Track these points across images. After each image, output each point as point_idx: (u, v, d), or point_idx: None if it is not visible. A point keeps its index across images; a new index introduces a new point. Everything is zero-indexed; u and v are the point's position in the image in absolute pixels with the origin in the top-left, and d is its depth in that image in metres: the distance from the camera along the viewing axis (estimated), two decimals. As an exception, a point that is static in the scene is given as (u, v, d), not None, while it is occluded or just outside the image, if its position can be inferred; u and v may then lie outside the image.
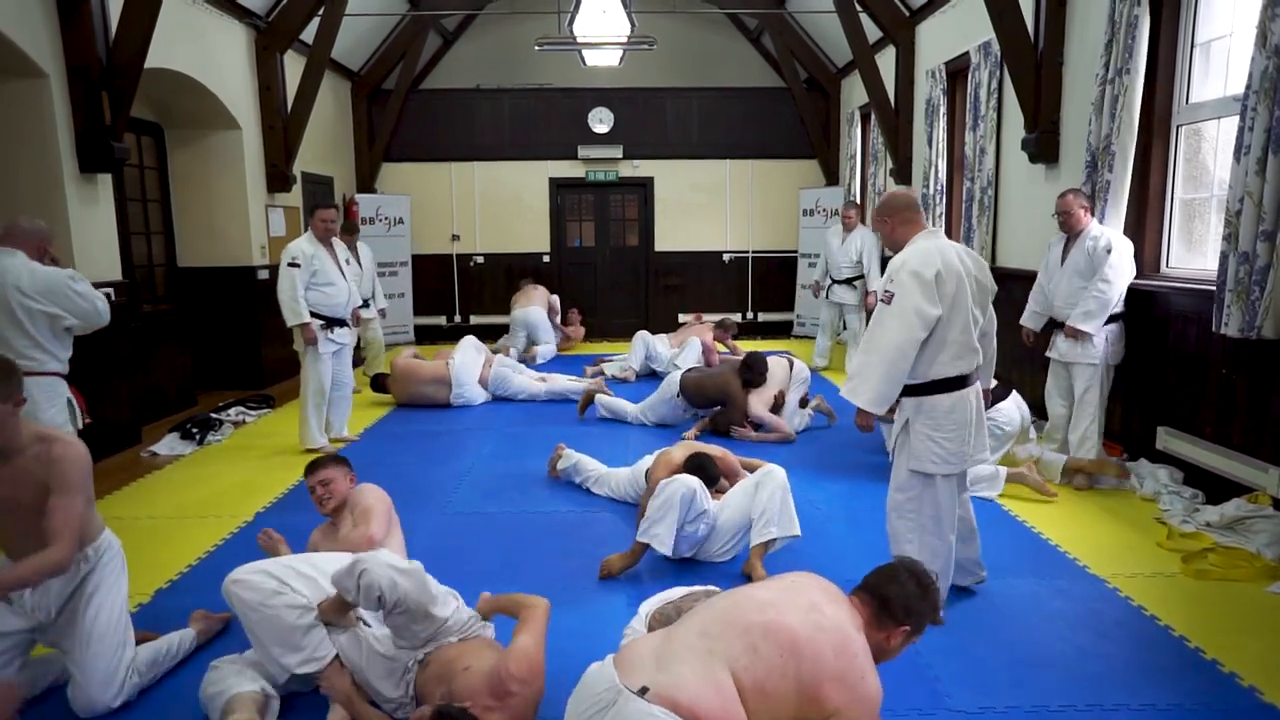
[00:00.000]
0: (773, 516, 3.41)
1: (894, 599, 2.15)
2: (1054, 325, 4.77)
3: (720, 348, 7.80)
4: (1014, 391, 4.67)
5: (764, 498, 3.44)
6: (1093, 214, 4.72)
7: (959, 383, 2.92)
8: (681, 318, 10.64)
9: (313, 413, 5.46)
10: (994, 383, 4.09)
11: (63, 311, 3.49)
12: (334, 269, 5.38)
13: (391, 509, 3.23)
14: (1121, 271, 4.46)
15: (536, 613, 2.46)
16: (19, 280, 3.40)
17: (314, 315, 5.27)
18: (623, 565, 3.45)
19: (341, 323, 5.49)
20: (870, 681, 2.06)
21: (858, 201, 8.54)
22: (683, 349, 7.64)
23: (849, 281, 8.05)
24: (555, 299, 9.46)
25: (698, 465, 3.74)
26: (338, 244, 5.56)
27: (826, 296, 8.28)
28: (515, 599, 2.59)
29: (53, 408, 3.49)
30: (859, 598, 2.20)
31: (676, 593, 2.75)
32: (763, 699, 1.99)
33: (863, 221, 8.34)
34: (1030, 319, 4.94)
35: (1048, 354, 4.84)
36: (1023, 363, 6.10)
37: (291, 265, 5.17)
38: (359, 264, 7.57)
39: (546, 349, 8.99)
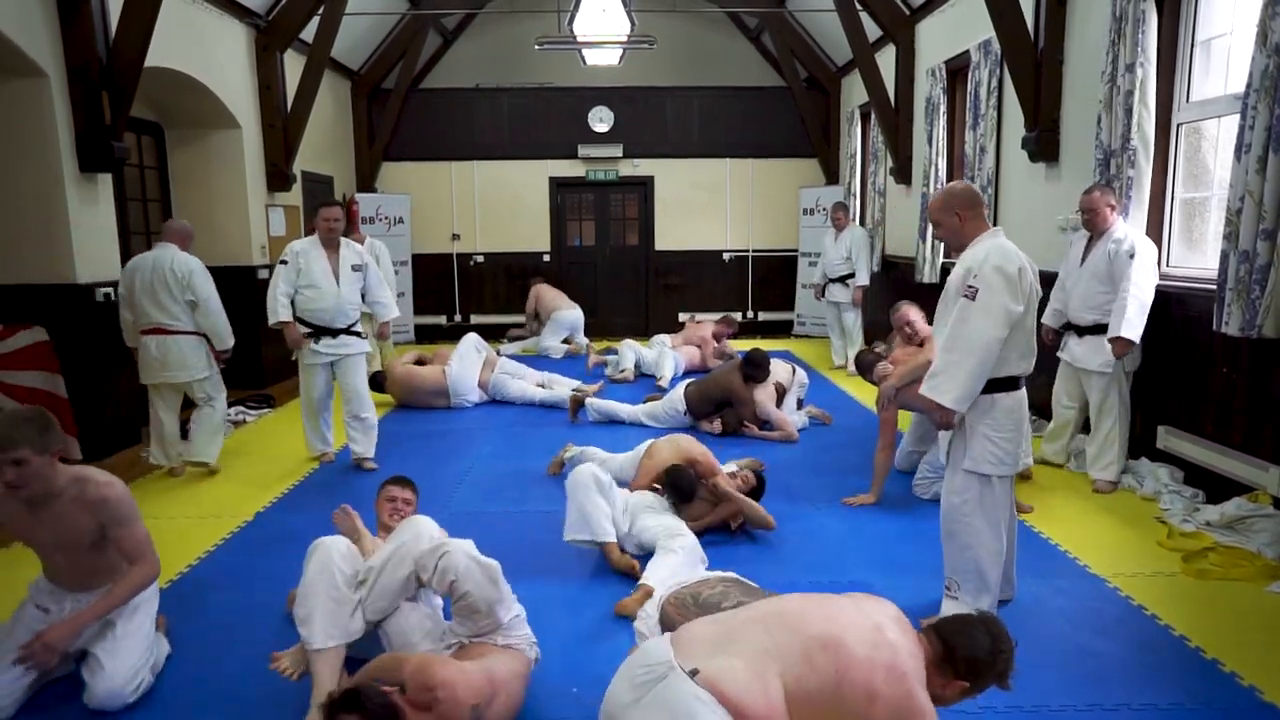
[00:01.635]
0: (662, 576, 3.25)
1: (959, 650, 2.04)
2: (1067, 327, 4.65)
3: (715, 351, 7.84)
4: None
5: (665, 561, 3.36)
6: (1125, 213, 4.66)
7: (1018, 382, 2.92)
8: (681, 316, 10.65)
9: (307, 421, 5.24)
10: None
11: (189, 289, 4.89)
12: (322, 272, 4.91)
13: None
14: (1148, 275, 4.27)
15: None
16: (171, 264, 4.84)
17: (300, 321, 4.94)
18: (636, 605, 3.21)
19: (332, 332, 5.00)
20: (920, 704, 1.98)
21: (846, 203, 8.61)
22: (659, 359, 7.57)
23: (843, 280, 8.10)
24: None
25: (672, 483, 3.80)
26: (349, 247, 5.07)
27: (824, 297, 8.37)
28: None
29: (195, 355, 4.96)
30: (927, 636, 2.10)
31: (690, 576, 2.73)
32: (809, 709, 1.97)
33: (857, 220, 8.35)
34: (1052, 317, 4.76)
35: (1059, 355, 4.72)
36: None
37: (281, 262, 4.93)
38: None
39: (583, 340, 9.38)
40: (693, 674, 1.94)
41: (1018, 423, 2.91)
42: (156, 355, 4.82)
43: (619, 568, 3.48)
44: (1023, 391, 2.93)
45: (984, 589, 2.92)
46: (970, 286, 2.80)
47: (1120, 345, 4.25)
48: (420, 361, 7.09)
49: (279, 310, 4.87)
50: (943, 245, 7.43)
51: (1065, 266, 4.70)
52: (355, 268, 5.06)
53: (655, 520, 3.64)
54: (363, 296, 5.17)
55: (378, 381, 6.94)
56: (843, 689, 1.95)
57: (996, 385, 2.85)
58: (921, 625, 2.17)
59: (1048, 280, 5.60)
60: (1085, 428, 4.78)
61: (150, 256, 4.90)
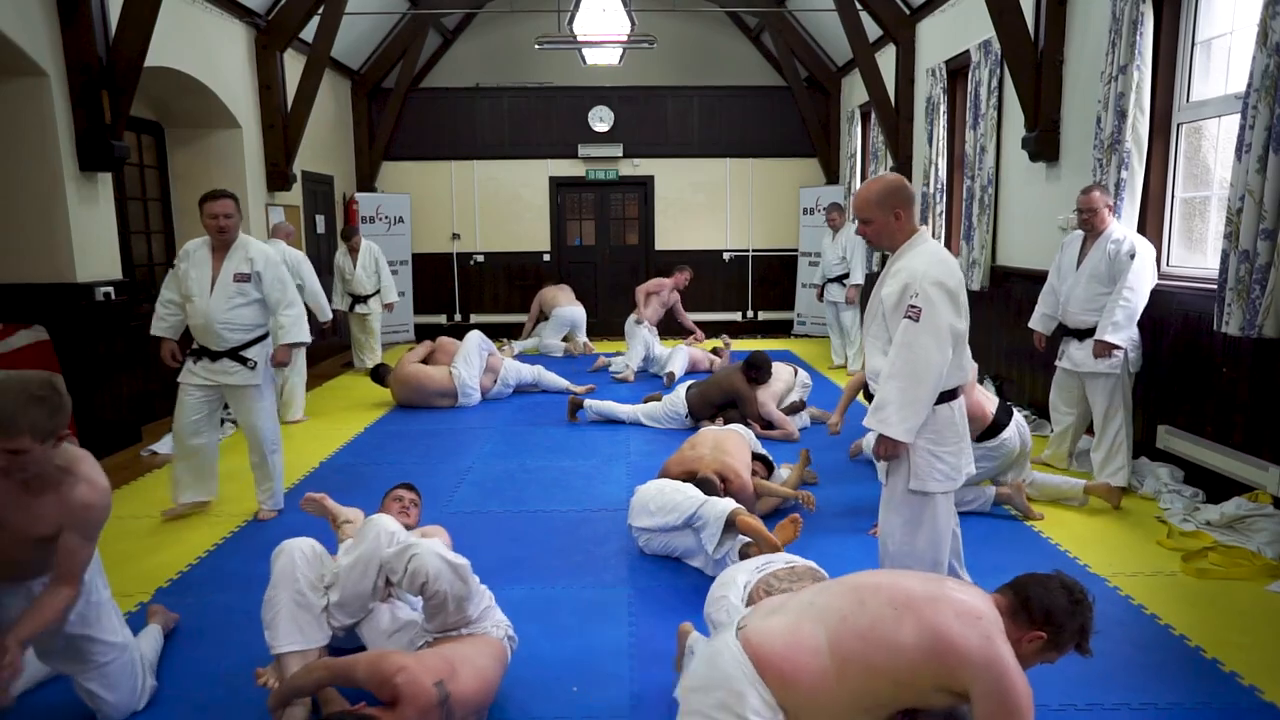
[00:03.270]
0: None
1: (1034, 599, 1.97)
2: (1065, 331, 4.53)
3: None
4: (1015, 414, 4.16)
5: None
6: (1118, 214, 4.66)
7: (956, 392, 2.76)
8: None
9: (177, 462, 4.31)
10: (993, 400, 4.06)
11: (298, 276, 5.99)
12: (198, 280, 4.02)
13: None
14: (1145, 278, 4.20)
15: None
16: (283, 256, 5.62)
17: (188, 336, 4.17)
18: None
19: (213, 354, 4.08)
20: (1000, 647, 1.90)
21: (841, 204, 8.68)
22: (672, 355, 7.64)
23: (840, 280, 8.14)
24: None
25: (702, 482, 3.78)
26: (244, 250, 4.09)
27: (822, 297, 8.44)
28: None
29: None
30: (1000, 593, 2.04)
31: (774, 561, 2.72)
32: (865, 645, 1.95)
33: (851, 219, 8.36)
34: (1040, 322, 4.70)
35: (1057, 362, 4.61)
36: (1021, 362, 6.10)
37: (171, 264, 4.23)
38: (354, 265, 7.81)
39: (583, 339, 9.42)
40: (739, 629, 2.09)
41: (959, 434, 2.76)
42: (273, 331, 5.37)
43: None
44: (961, 400, 2.79)
45: None
46: (913, 306, 2.58)
47: (1101, 347, 4.21)
48: (427, 359, 7.03)
49: (155, 321, 4.19)
50: (941, 243, 7.45)
51: (1057, 269, 4.61)
52: (240, 277, 4.03)
53: (667, 495, 3.62)
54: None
55: (379, 376, 6.92)
56: (908, 625, 1.93)
57: (936, 399, 2.68)
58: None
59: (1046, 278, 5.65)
60: (1087, 430, 4.75)
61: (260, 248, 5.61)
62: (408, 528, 3.11)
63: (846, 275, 8.05)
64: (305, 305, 4.96)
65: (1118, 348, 4.19)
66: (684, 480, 3.84)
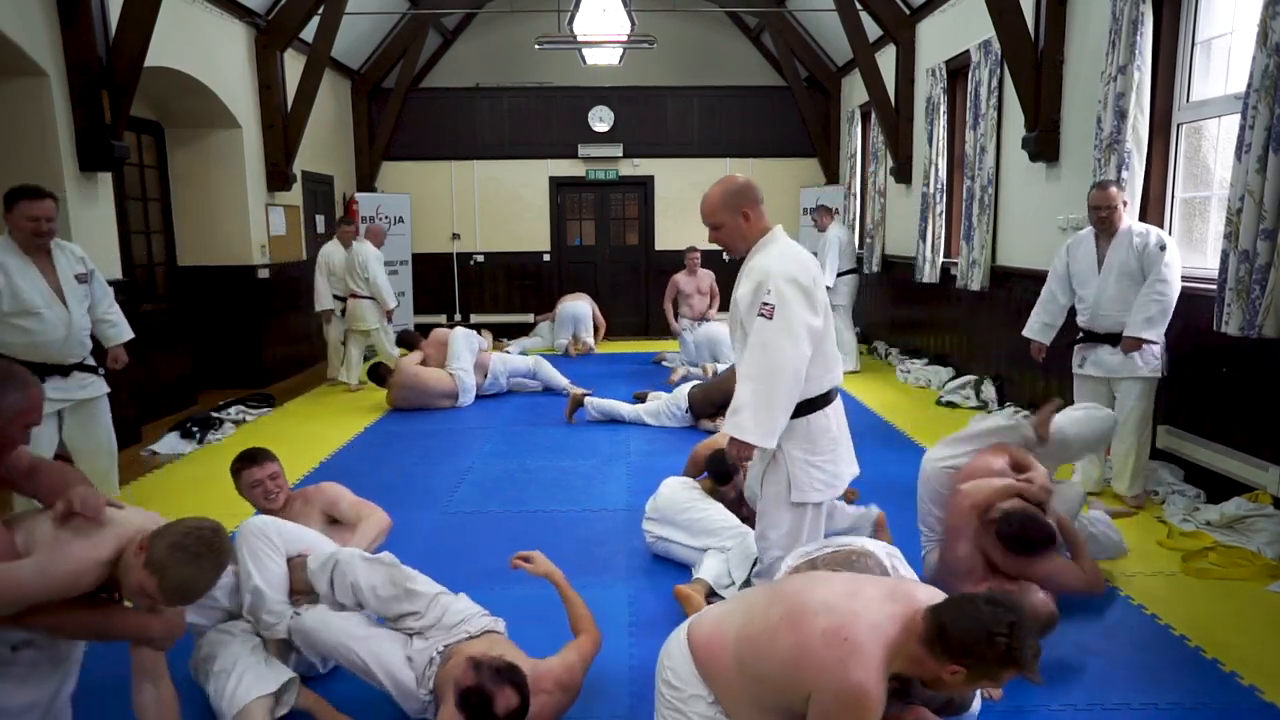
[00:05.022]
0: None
1: (951, 631, 1.79)
2: (1090, 337, 4.21)
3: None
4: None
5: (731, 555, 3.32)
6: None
7: (830, 397, 2.67)
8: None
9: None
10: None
11: (366, 270, 7.30)
12: (39, 291, 3.59)
13: None
14: (1177, 270, 3.99)
15: (590, 640, 2.57)
16: (368, 257, 7.34)
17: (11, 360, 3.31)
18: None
19: (63, 369, 3.69)
20: (855, 675, 1.79)
21: (829, 205, 8.73)
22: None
23: None
24: (594, 308, 9.73)
25: (713, 461, 3.74)
26: (64, 251, 3.75)
27: None
28: (581, 611, 2.65)
29: (374, 313, 7.45)
30: (925, 615, 1.86)
31: (813, 547, 2.65)
32: (753, 648, 2.01)
33: (857, 218, 8.39)
34: (1040, 332, 4.41)
35: (1078, 370, 4.29)
36: (1021, 362, 6.09)
37: None
38: (358, 265, 7.49)
39: (590, 340, 9.40)
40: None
41: (835, 441, 2.68)
42: (351, 311, 7.47)
43: None
44: (837, 404, 2.71)
45: None
46: (765, 304, 2.49)
47: (1131, 344, 3.98)
48: (423, 360, 7.03)
49: None
50: (941, 243, 7.47)
51: (1063, 274, 4.33)
52: (81, 278, 3.77)
53: (703, 512, 3.55)
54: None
55: (379, 375, 6.90)
56: (781, 639, 1.93)
57: (806, 406, 2.59)
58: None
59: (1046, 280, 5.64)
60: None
61: (353, 245, 7.51)
62: (282, 506, 3.02)
63: (844, 274, 8.10)
64: (369, 295, 7.36)
65: (1151, 343, 3.97)
66: (710, 459, 3.77)
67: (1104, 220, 4.12)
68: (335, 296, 7.61)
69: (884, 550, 2.54)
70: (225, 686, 2.40)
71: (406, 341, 7.37)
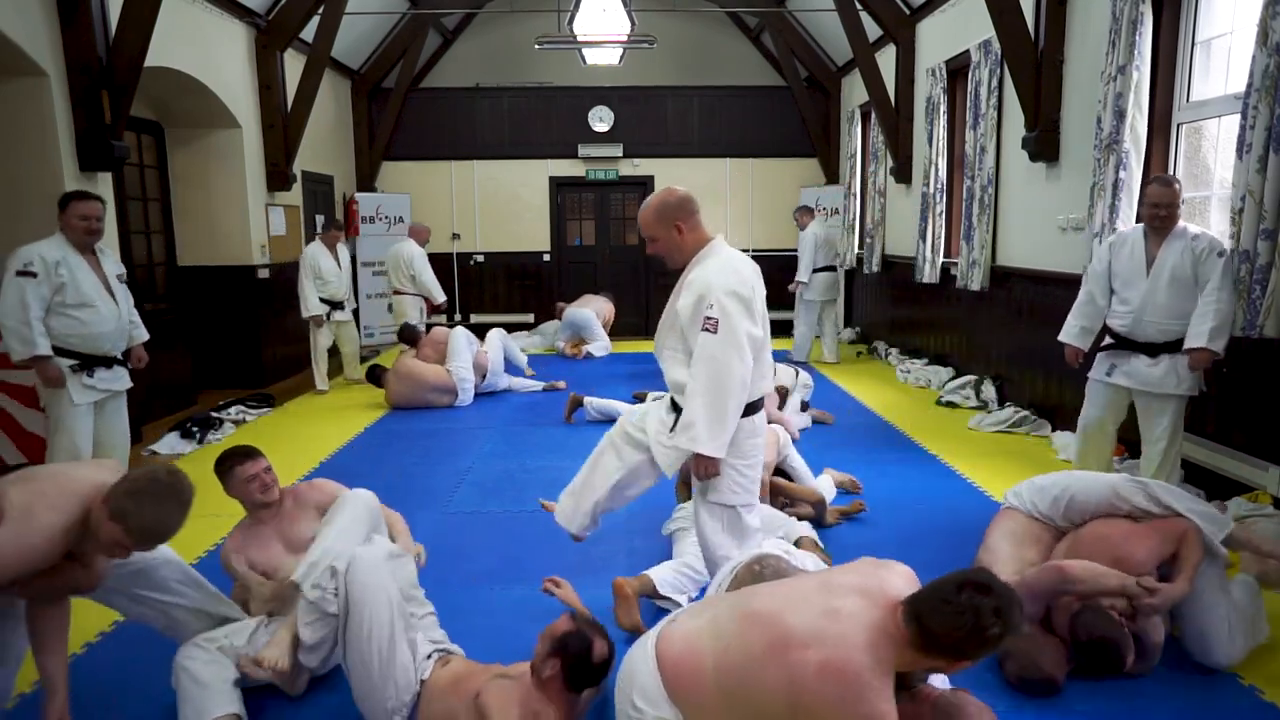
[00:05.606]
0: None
1: (940, 633, 1.79)
2: (1127, 345, 3.83)
3: None
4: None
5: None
6: (1115, 212, 4.61)
7: (759, 405, 2.76)
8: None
9: None
10: None
11: (412, 268, 7.88)
12: (94, 286, 3.93)
13: None
14: (1231, 279, 3.64)
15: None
16: (412, 255, 7.90)
17: (62, 352, 3.88)
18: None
19: (107, 361, 4.04)
20: (864, 710, 1.79)
21: (810, 206, 8.96)
22: None
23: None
24: (610, 308, 9.68)
25: None
26: (105, 253, 4.10)
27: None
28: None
29: (415, 309, 7.95)
30: (903, 615, 1.85)
31: (766, 546, 2.68)
32: (740, 684, 1.93)
33: (855, 216, 8.41)
34: (1078, 336, 4.04)
35: (1106, 378, 3.92)
36: (1021, 362, 6.10)
37: (23, 274, 3.76)
38: (338, 264, 7.42)
39: (598, 345, 9.33)
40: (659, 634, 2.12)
41: (757, 446, 2.77)
42: (395, 307, 8.20)
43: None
44: (762, 413, 2.80)
45: None
46: (709, 318, 2.56)
47: (1202, 357, 3.57)
48: (419, 356, 7.03)
49: (36, 340, 3.76)
50: (941, 243, 7.47)
51: (1102, 276, 3.94)
52: (120, 278, 4.14)
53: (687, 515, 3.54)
54: None
55: (375, 375, 6.90)
56: (772, 671, 1.88)
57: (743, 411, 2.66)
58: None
59: (1048, 280, 5.66)
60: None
61: (394, 247, 8.09)
62: (275, 502, 2.95)
63: (817, 271, 8.38)
64: (414, 292, 7.96)
65: (1217, 355, 3.59)
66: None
67: (1163, 219, 3.72)
68: (322, 300, 7.23)
69: (780, 549, 2.64)
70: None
71: (409, 337, 7.29)
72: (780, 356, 6.82)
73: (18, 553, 1.99)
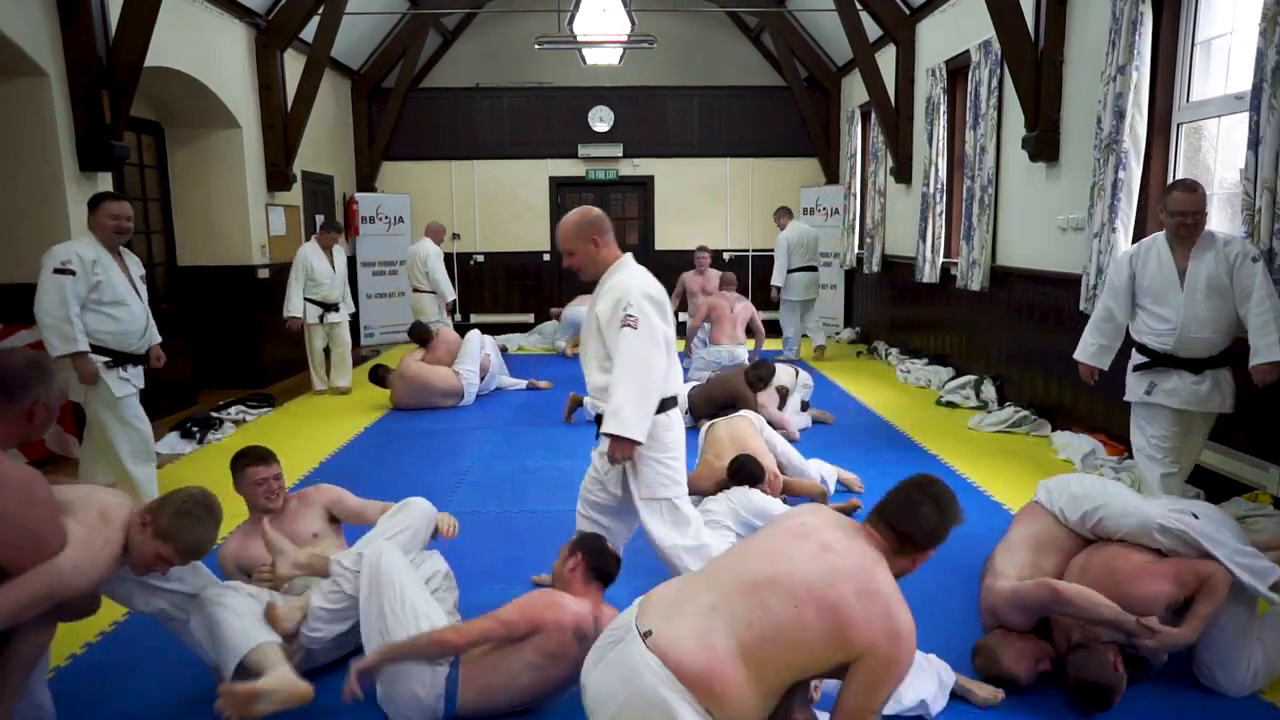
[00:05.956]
0: None
1: (917, 534, 2.06)
2: (1165, 362, 3.56)
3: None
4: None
5: None
6: (1115, 212, 4.61)
7: (673, 402, 2.95)
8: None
9: (139, 472, 4.23)
10: None
11: (426, 265, 8.07)
12: (124, 283, 4.03)
13: None
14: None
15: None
16: (427, 253, 8.12)
17: (95, 349, 3.93)
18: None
19: (135, 359, 4.13)
20: (899, 617, 1.96)
21: (788, 207, 9.02)
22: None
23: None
24: None
25: (740, 466, 3.81)
26: (127, 254, 4.15)
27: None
28: None
29: (433, 306, 8.15)
30: (878, 530, 2.08)
31: (705, 537, 2.88)
32: (778, 648, 1.95)
33: (855, 216, 8.39)
34: (1095, 355, 3.80)
35: (1144, 398, 3.64)
36: (1021, 362, 6.10)
37: (61, 271, 3.82)
38: (332, 265, 7.23)
39: None
40: (646, 635, 2.00)
41: (678, 439, 2.95)
42: (414, 305, 8.35)
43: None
44: (677, 410, 2.99)
45: None
46: (629, 316, 2.77)
47: (1269, 372, 3.35)
48: (426, 358, 7.02)
49: (76, 336, 3.82)
50: (941, 243, 7.47)
51: (1123, 291, 3.68)
52: (142, 278, 4.23)
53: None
54: None
55: (379, 376, 6.90)
56: (810, 620, 1.93)
57: (659, 406, 2.86)
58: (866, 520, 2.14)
59: (1048, 280, 5.66)
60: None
61: (413, 245, 8.33)
62: (279, 508, 2.99)
63: (794, 271, 8.48)
64: (430, 289, 8.16)
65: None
66: (720, 484, 3.84)
67: (1190, 228, 3.45)
68: (315, 302, 7.12)
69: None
70: (232, 622, 2.41)
71: (420, 336, 7.14)
72: (771, 356, 6.83)
73: (87, 575, 2.12)
